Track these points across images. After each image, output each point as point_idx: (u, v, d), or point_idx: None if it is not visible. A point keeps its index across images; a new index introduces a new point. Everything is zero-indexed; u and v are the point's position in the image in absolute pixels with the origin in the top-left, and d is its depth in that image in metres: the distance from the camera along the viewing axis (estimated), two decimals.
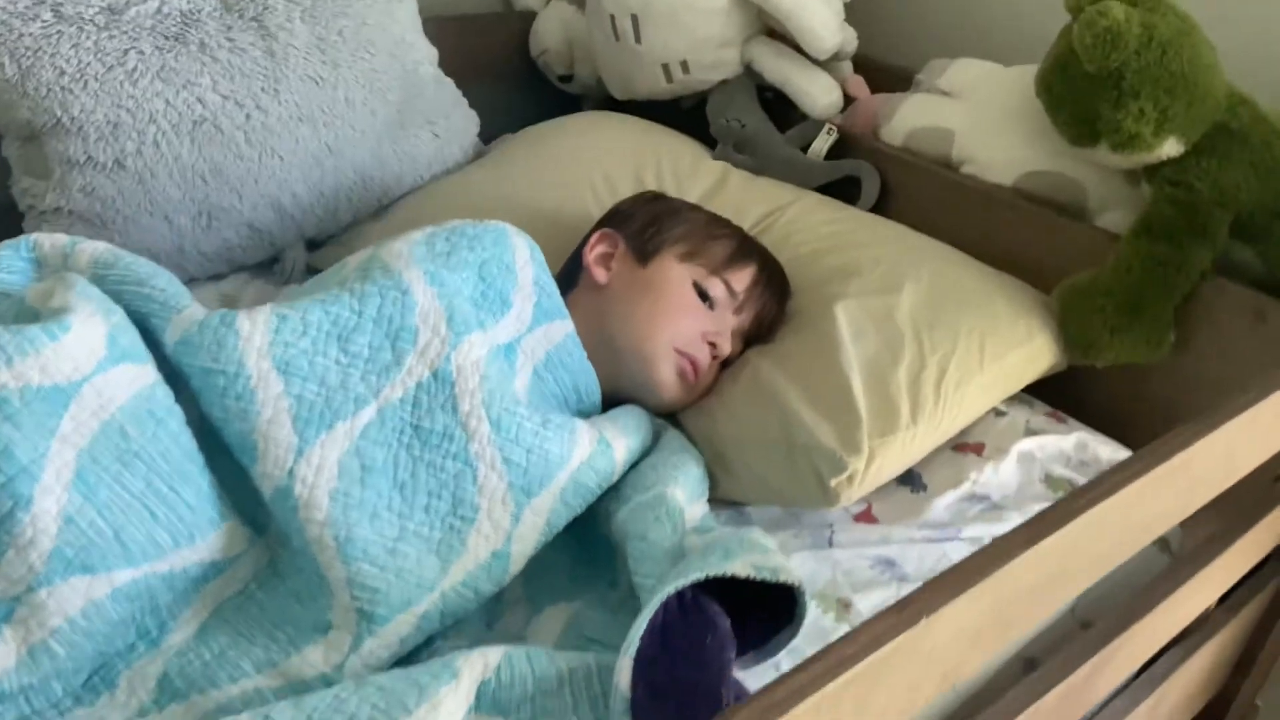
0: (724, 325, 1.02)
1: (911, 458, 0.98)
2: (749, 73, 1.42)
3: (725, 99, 1.42)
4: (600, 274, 1.04)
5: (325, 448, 0.74)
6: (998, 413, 1.11)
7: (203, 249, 1.20)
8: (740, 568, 0.71)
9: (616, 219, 1.10)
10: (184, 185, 1.15)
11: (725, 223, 1.10)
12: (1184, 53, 1.04)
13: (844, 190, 1.35)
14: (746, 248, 1.06)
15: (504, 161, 1.34)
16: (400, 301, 0.81)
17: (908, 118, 1.34)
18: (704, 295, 1.02)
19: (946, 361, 1.01)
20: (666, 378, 0.99)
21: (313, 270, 1.31)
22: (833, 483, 0.91)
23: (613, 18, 1.39)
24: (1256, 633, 1.23)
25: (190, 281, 1.24)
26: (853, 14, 1.44)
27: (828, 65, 1.43)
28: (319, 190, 1.23)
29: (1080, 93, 1.09)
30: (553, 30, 1.60)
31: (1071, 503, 0.68)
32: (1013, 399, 1.13)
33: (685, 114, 1.51)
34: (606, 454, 0.86)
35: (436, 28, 1.40)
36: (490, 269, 0.91)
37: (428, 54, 1.33)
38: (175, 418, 0.73)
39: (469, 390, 0.80)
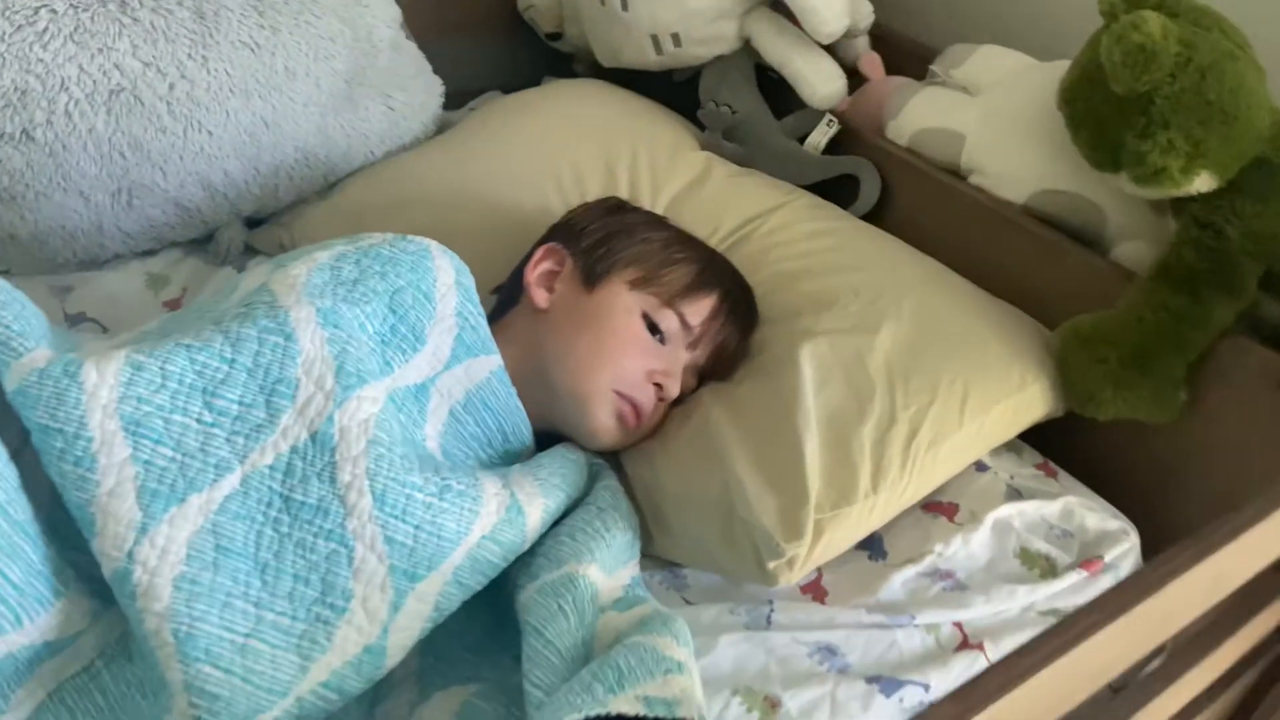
0: (673, 364, 0.93)
1: (871, 527, 0.90)
2: (747, 50, 1.30)
3: (717, 78, 1.30)
4: (541, 297, 0.95)
5: (174, 525, 0.66)
6: (980, 466, 1.01)
7: (125, 227, 1.12)
8: (628, 703, 0.63)
9: (567, 232, 1.00)
10: (100, 160, 1.06)
11: (688, 243, 0.99)
12: (1226, 79, 0.91)
13: (840, 188, 1.23)
14: (707, 275, 0.96)
15: (465, 141, 1.23)
16: (281, 349, 0.72)
17: (916, 116, 1.22)
18: (654, 328, 0.92)
19: (921, 418, 0.92)
20: (603, 423, 0.90)
21: (251, 250, 1.22)
22: (770, 565, 0.82)
23: None
24: (1239, 712, 1.15)
25: (115, 259, 1.17)
26: None
27: (837, 42, 1.30)
28: (254, 168, 1.14)
29: (1104, 114, 0.97)
30: None
31: (1017, 662, 0.59)
32: (1000, 446, 1.03)
33: (679, 85, 1.39)
34: (516, 522, 0.78)
35: None
36: (403, 299, 0.82)
37: (386, 15, 1.21)
38: (6, 483, 0.65)
39: (351, 457, 0.71)
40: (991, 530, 0.95)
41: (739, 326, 0.97)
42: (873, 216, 1.21)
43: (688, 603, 0.89)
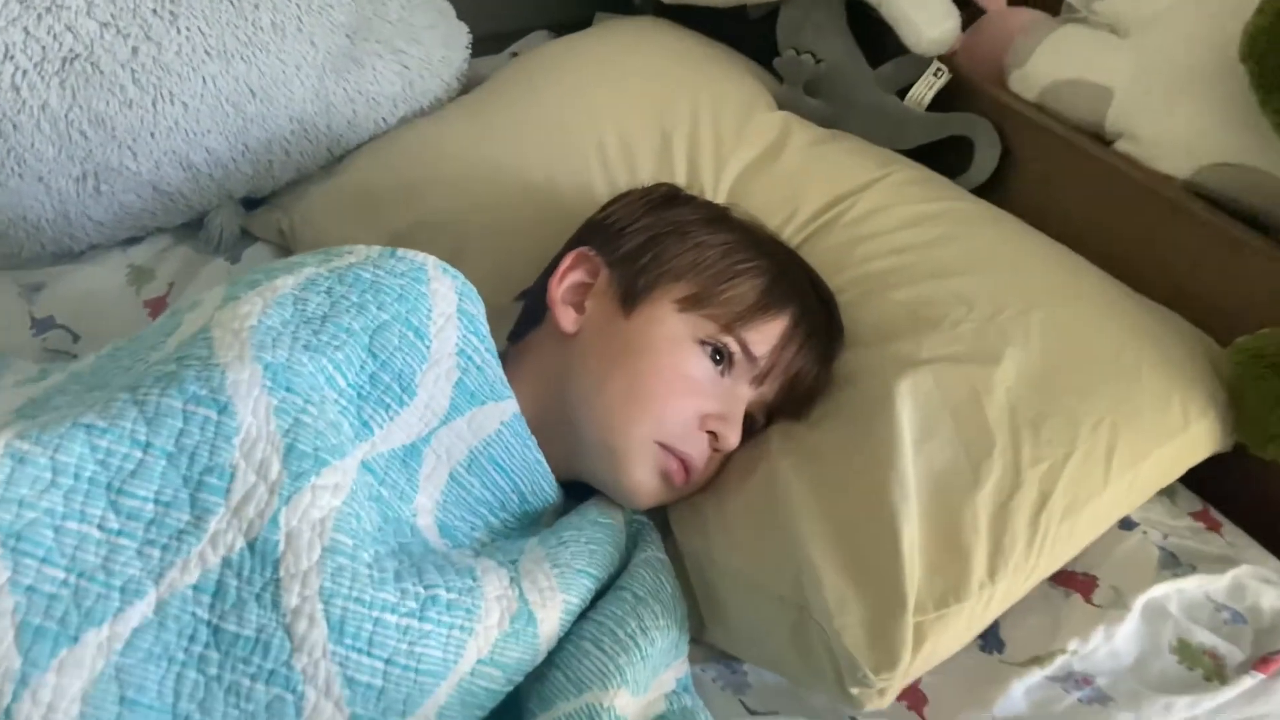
0: (733, 406, 0.75)
1: (985, 623, 0.72)
2: None
3: (799, 18, 1.09)
4: (567, 319, 0.77)
5: (64, 673, 0.52)
6: (1124, 522, 0.82)
7: (95, 216, 0.98)
8: None
9: (603, 233, 0.82)
10: (58, 140, 0.91)
11: (755, 246, 0.80)
12: None
13: (950, 154, 1.03)
14: (778, 290, 0.77)
15: (493, 104, 1.05)
16: (213, 426, 0.57)
17: (1049, 63, 1.00)
18: (716, 355, 0.75)
19: (1054, 478, 0.73)
20: (642, 482, 0.74)
21: (249, 236, 1.07)
22: (854, 691, 0.65)
23: None
24: None
25: (94, 249, 1.03)
26: None
27: None
28: (241, 144, 0.98)
29: None
30: None
31: None
32: None
33: (756, 23, 1.18)
34: (525, 634, 0.62)
35: None
36: (387, 339, 0.65)
37: None
38: None
39: (301, 572, 0.56)
40: (1141, 617, 0.77)
41: (818, 354, 0.78)
42: (989, 191, 1.01)
43: (748, 710, 0.73)
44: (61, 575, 0.53)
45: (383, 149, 1.04)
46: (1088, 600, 0.78)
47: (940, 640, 0.67)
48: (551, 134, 1.00)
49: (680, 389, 0.73)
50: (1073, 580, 0.79)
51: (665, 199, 0.84)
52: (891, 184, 0.97)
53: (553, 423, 0.75)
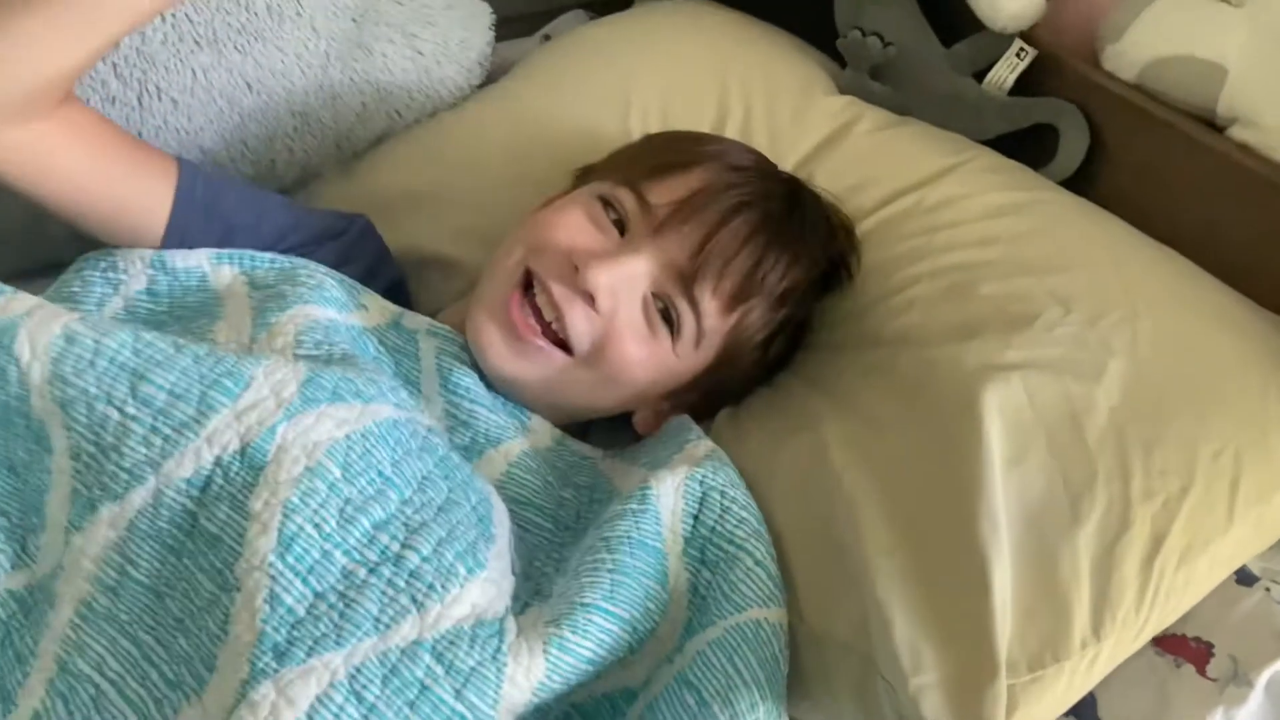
0: (619, 250, 0.73)
1: (1085, 689, 0.66)
2: None
3: None
4: None
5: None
6: (1241, 574, 0.76)
7: None
8: None
9: None
10: None
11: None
12: None
13: (1031, 145, 0.98)
14: (694, 149, 0.80)
15: (524, 94, 1.02)
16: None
17: (1150, 37, 0.95)
18: (611, 212, 0.76)
19: (1171, 515, 0.68)
20: (488, 341, 0.75)
21: None
22: None
23: None
24: None
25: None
26: None
27: None
28: (239, 141, 0.95)
29: None
30: None
31: None
32: None
33: (808, 3, 1.13)
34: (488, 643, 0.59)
35: None
36: None
37: None
38: None
39: (277, 483, 0.59)
40: (1265, 693, 0.71)
41: (752, 226, 0.75)
42: (1077, 186, 0.95)
43: None
44: (91, 449, 0.60)
45: (397, 147, 1.01)
46: (1202, 673, 0.72)
47: (1033, 710, 0.62)
48: (590, 128, 0.97)
49: (557, 223, 0.75)
50: (1184, 648, 0.73)
51: None
52: (971, 172, 0.92)
53: None
